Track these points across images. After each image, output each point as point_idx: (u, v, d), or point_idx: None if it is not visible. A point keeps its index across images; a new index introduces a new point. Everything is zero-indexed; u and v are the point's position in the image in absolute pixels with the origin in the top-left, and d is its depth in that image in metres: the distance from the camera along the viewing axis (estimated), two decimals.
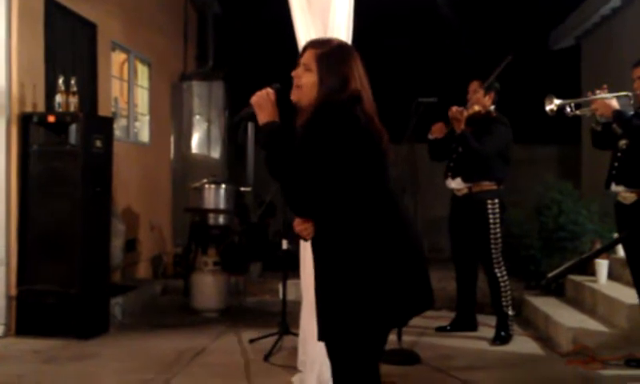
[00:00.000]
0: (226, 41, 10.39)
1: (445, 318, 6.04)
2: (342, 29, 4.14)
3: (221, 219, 7.29)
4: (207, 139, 9.20)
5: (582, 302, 6.13)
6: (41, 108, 5.80)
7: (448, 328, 5.86)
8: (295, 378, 4.38)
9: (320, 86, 2.56)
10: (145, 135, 8.62)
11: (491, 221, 5.48)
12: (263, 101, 2.58)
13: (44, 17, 5.96)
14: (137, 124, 8.43)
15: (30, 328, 5.46)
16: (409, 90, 5.77)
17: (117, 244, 6.57)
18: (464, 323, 5.86)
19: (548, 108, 4.81)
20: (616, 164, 4.78)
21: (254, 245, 8.91)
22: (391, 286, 2.46)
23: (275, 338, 5.14)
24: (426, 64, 11.44)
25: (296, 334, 4.70)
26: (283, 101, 2.62)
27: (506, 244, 5.76)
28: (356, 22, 4.23)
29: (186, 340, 5.51)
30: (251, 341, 5.35)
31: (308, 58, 2.62)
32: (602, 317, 5.59)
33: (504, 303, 5.51)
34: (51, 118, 5.56)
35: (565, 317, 5.70)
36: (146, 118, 8.64)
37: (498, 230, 5.51)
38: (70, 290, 5.44)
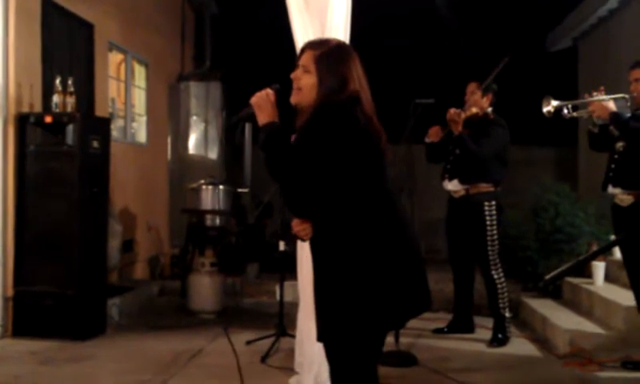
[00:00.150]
0: (224, 41, 10.39)
1: (442, 319, 6.04)
2: (339, 29, 4.13)
3: (218, 220, 7.29)
4: (204, 140, 9.20)
5: (579, 304, 6.13)
6: (38, 108, 5.79)
7: (445, 330, 5.86)
8: (292, 380, 4.37)
9: (319, 87, 2.56)
10: (142, 136, 8.61)
11: (488, 222, 5.48)
12: (263, 101, 2.57)
13: (41, 17, 5.95)
14: (134, 124, 8.42)
15: (26, 329, 5.45)
16: (406, 91, 5.76)
17: (114, 245, 6.56)
18: (461, 325, 5.86)
19: (545, 109, 4.82)
20: (613, 166, 4.78)
21: (251, 246, 8.91)
22: (389, 287, 2.46)
23: (272, 339, 5.14)
24: (424, 65, 11.44)
25: (293, 336, 4.69)
26: (283, 101, 2.61)
27: (503, 245, 5.76)
28: (354, 23, 4.23)
29: (182, 341, 5.50)
30: (248, 342, 5.34)
31: (306, 60, 2.61)
32: (599, 319, 5.59)
33: (501, 305, 5.51)
34: (48, 119, 5.55)
35: (562, 319, 5.71)
36: (144, 119, 8.63)
37: (495, 232, 5.50)
38: (66, 290, 5.43)
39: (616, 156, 4.77)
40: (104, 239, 5.91)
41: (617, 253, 5.94)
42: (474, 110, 5.62)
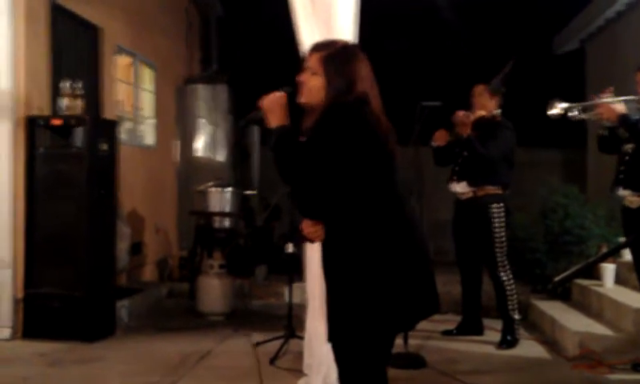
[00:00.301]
0: (230, 44, 10.41)
1: (451, 321, 6.03)
2: (346, 32, 4.12)
3: (226, 222, 7.29)
4: (212, 142, 9.21)
5: (589, 306, 6.11)
6: (46, 111, 5.82)
7: (454, 332, 5.85)
8: (301, 382, 4.37)
9: (327, 89, 2.56)
10: (150, 138, 8.63)
11: (496, 225, 5.48)
12: (273, 105, 2.57)
13: (49, 21, 5.97)
14: (142, 127, 8.44)
15: (36, 331, 5.47)
16: (413, 94, 5.76)
17: (122, 247, 6.58)
18: (470, 327, 5.85)
19: (553, 112, 4.80)
20: (622, 168, 4.76)
21: (260, 248, 8.91)
22: (398, 289, 2.46)
23: (281, 341, 5.14)
24: (430, 68, 11.44)
25: (302, 338, 4.68)
26: (293, 104, 2.61)
27: (512, 248, 5.75)
28: (359, 26, 4.23)
29: (191, 343, 5.51)
30: (257, 344, 5.35)
31: (313, 62, 2.61)
32: (609, 321, 5.57)
33: (510, 307, 5.50)
34: (57, 121, 5.57)
35: (571, 321, 5.69)
36: (151, 122, 8.65)
37: (503, 234, 5.49)
38: (75, 293, 5.44)
39: (626, 158, 4.75)
40: (112, 241, 5.93)
41: (626, 255, 5.92)
42: (482, 112, 5.62)
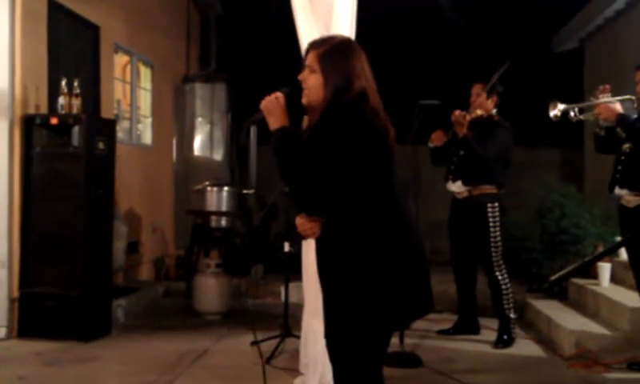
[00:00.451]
0: (229, 42, 10.40)
1: (447, 320, 6.03)
2: (345, 30, 4.13)
3: (223, 221, 7.30)
4: (210, 141, 9.21)
5: (585, 305, 6.11)
6: (43, 110, 5.81)
7: (450, 331, 5.85)
8: (297, 381, 4.38)
9: (326, 86, 2.56)
10: (147, 137, 8.63)
11: (491, 224, 5.49)
12: (272, 106, 2.57)
13: (47, 19, 5.96)
14: (139, 126, 8.43)
15: (32, 330, 5.46)
16: (411, 93, 5.76)
17: (119, 246, 6.57)
18: (466, 326, 5.85)
19: (552, 113, 4.80)
20: (620, 167, 4.77)
21: (256, 247, 8.90)
22: (393, 288, 2.46)
23: (277, 340, 5.14)
24: (429, 66, 11.43)
25: (298, 337, 4.69)
26: (293, 104, 2.61)
27: (508, 247, 5.76)
28: (358, 24, 4.23)
29: (188, 342, 5.50)
30: (253, 343, 5.34)
31: (311, 60, 2.62)
32: (605, 320, 5.58)
33: (506, 306, 5.50)
34: (54, 120, 5.56)
35: (567, 320, 5.69)
36: (149, 120, 8.64)
37: (498, 233, 5.51)
38: (72, 292, 5.44)
39: (623, 157, 4.75)
40: (109, 240, 5.92)
41: (622, 254, 5.92)
42: (479, 111, 5.63)
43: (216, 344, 5.52)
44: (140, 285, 7.45)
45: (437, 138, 5.74)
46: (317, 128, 2.50)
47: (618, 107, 4.57)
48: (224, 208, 7.32)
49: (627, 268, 5.29)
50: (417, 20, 11.05)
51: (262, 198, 9.23)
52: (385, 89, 2.66)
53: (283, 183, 2.53)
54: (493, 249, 5.49)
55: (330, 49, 2.61)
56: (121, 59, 7.90)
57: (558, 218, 7.18)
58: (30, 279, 5.52)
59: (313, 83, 2.59)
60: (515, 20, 11.09)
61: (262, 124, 2.65)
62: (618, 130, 4.67)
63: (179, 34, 9.54)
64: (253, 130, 9.47)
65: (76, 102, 5.64)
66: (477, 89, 5.69)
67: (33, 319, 5.48)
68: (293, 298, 5.58)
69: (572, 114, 4.80)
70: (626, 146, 4.73)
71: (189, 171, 9.02)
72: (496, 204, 5.51)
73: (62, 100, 5.62)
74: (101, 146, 5.67)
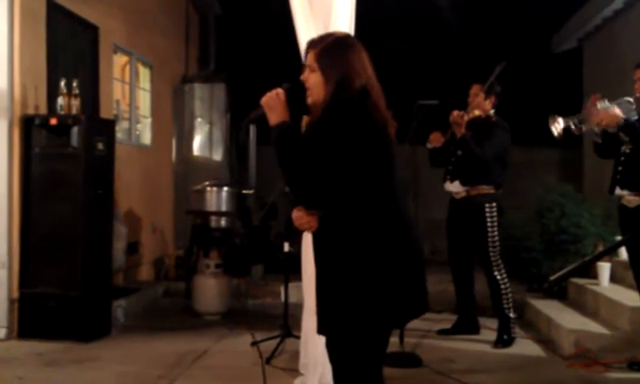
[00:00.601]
0: (228, 43, 10.40)
1: (446, 320, 6.03)
2: (343, 30, 4.13)
3: (222, 222, 7.29)
4: (209, 141, 9.21)
5: (585, 304, 6.12)
6: (43, 110, 5.81)
7: (450, 331, 5.85)
8: (297, 381, 4.38)
9: (326, 83, 2.56)
10: (146, 138, 8.62)
11: (489, 224, 5.50)
12: (273, 102, 2.57)
13: (46, 19, 5.96)
14: (138, 126, 8.43)
15: (32, 331, 5.46)
16: (410, 93, 5.76)
17: (119, 247, 6.58)
18: (466, 326, 5.85)
19: (556, 133, 4.76)
20: (620, 168, 4.76)
21: (256, 247, 8.91)
22: (389, 285, 2.45)
23: (277, 340, 5.14)
24: (428, 67, 11.44)
25: (298, 337, 4.69)
26: (293, 100, 2.61)
27: (508, 247, 5.76)
28: (357, 25, 4.23)
29: (187, 343, 5.50)
30: (253, 343, 5.34)
31: (310, 59, 2.62)
32: (605, 320, 5.58)
33: (505, 306, 5.51)
34: (53, 121, 5.56)
35: (567, 320, 5.69)
36: (148, 121, 8.64)
37: (496, 233, 5.51)
38: (71, 292, 5.44)
39: (622, 158, 4.75)
40: (109, 241, 5.92)
41: (622, 253, 5.92)
42: (477, 112, 5.63)
43: (216, 344, 5.51)
44: (140, 285, 7.45)
45: (435, 139, 5.75)
46: (317, 124, 2.50)
47: (618, 112, 4.53)
48: (223, 208, 7.32)
49: (627, 267, 5.29)
50: (416, 20, 11.06)
51: (262, 198, 9.23)
52: (384, 89, 2.65)
53: (283, 181, 2.53)
54: (491, 249, 5.50)
55: (328, 46, 2.61)
56: (120, 59, 7.89)
57: (557, 218, 7.18)
58: (30, 280, 5.52)
59: (314, 82, 2.60)
60: (514, 20, 11.10)
61: (262, 124, 2.65)
62: (620, 134, 4.62)
63: (178, 34, 9.54)
64: (252, 130, 9.48)
65: (75, 103, 5.64)
66: (475, 89, 5.70)
67: (32, 320, 5.48)
68: (292, 298, 5.59)
69: (572, 127, 4.75)
70: (625, 147, 4.72)
71: (188, 171, 9.02)
72: (494, 204, 5.52)
73: (61, 100, 5.61)
74: (100, 146, 5.67)
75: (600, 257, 5.66)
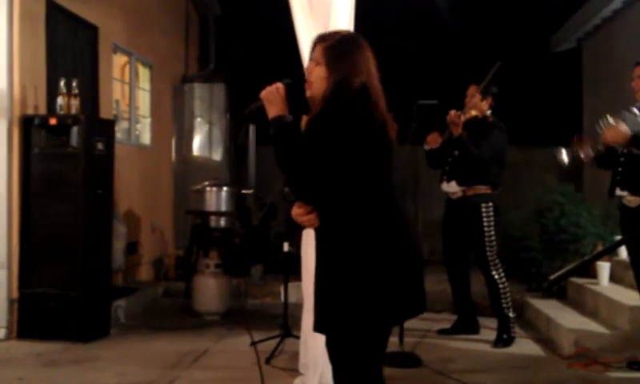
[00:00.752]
0: (228, 43, 10.40)
1: (446, 320, 6.03)
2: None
3: (222, 222, 7.29)
4: (208, 141, 9.21)
5: (584, 304, 6.12)
6: (42, 110, 5.81)
7: (449, 330, 5.85)
8: (297, 381, 4.37)
9: (328, 79, 2.58)
10: (146, 137, 8.63)
11: (485, 224, 5.50)
12: (273, 96, 2.58)
13: (45, 19, 5.96)
14: (138, 126, 8.44)
15: (31, 331, 5.46)
16: (410, 93, 5.76)
17: (118, 247, 6.58)
18: (466, 326, 5.86)
19: (566, 161, 4.72)
20: (619, 169, 4.76)
21: (256, 247, 8.91)
22: (387, 283, 2.45)
23: (277, 340, 5.14)
24: (427, 67, 11.44)
25: (298, 337, 4.69)
26: (293, 96, 2.62)
27: (507, 246, 5.77)
28: (357, 25, 4.23)
29: (187, 343, 5.51)
30: (253, 343, 5.33)
31: (317, 53, 2.65)
32: (604, 319, 5.58)
33: (504, 305, 5.51)
34: (53, 121, 5.56)
35: (566, 319, 5.70)
36: (148, 121, 8.64)
37: (493, 233, 5.52)
38: (71, 292, 5.44)
39: (622, 159, 4.74)
40: (108, 241, 5.92)
41: (622, 253, 5.93)
42: (473, 112, 5.65)
43: (215, 344, 5.52)
44: (139, 285, 7.45)
45: (432, 140, 5.76)
46: (316, 120, 2.51)
47: (625, 128, 4.47)
48: (223, 208, 7.32)
49: (626, 267, 5.30)
50: (415, 20, 11.06)
51: (261, 198, 9.23)
52: (383, 88, 2.66)
53: (283, 181, 2.53)
54: (488, 248, 5.50)
55: (334, 43, 2.64)
56: (119, 59, 7.89)
57: (557, 218, 7.19)
58: (30, 280, 5.53)
59: (317, 75, 2.61)
60: (513, 20, 11.11)
61: (261, 124, 2.66)
62: (632, 148, 4.55)
63: (178, 34, 9.54)
64: (252, 130, 9.48)
65: (75, 103, 5.64)
66: (472, 90, 5.71)
67: (32, 320, 5.48)
68: (292, 298, 5.59)
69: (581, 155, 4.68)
70: (624, 149, 4.70)
71: (188, 171, 9.02)
72: (490, 204, 5.53)
73: (60, 100, 5.62)
74: (100, 146, 5.67)
75: (599, 256, 5.67)
